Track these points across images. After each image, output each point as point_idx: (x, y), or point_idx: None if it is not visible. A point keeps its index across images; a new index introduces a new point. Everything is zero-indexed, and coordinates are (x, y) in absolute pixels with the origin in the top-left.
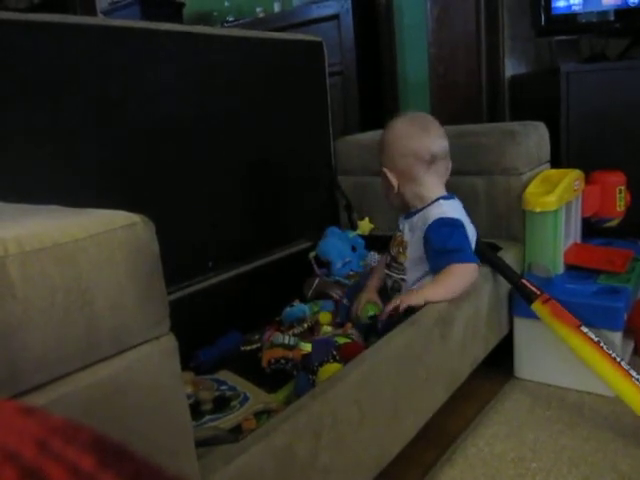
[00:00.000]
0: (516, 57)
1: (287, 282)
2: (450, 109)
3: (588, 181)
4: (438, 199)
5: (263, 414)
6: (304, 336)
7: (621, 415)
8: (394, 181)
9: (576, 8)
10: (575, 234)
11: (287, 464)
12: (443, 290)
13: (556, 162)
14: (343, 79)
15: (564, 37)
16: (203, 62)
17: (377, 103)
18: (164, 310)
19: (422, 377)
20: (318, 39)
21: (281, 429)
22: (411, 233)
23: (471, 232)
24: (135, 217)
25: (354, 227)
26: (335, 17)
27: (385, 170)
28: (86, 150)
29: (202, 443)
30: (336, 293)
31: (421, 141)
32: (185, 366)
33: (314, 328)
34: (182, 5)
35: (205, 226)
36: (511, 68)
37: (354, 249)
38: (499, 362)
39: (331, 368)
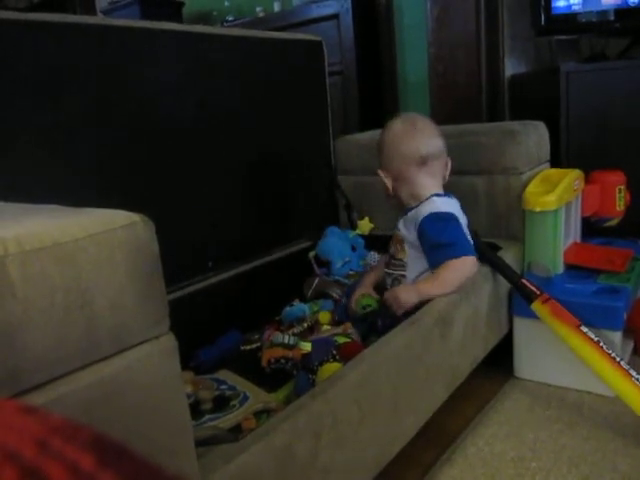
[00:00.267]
0: (516, 57)
1: (287, 282)
2: (450, 109)
3: (588, 181)
4: (431, 196)
5: (263, 414)
6: (304, 336)
7: (621, 415)
8: (388, 182)
9: (576, 8)
10: (575, 234)
11: (287, 464)
12: (438, 285)
13: (556, 162)
14: (343, 79)
15: (564, 37)
16: (203, 62)
17: (377, 103)
18: (164, 310)
19: (422, 377)
20: (318, 39)
21: (281, 429)
22: (407, 230)
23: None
24: (135, 217)
25: (354, 227)
26: (335, 17)
27: (379, 172)
28: (86, 150)
29: (202, 442)
30: (336, 293)
31: (410, 143)
32: (185, 366)
33: (314, 328)
34: (182, 5)
35: (205, 226)
36: (511, 68)
37: (354, 249)
38: (499, 362)
39: (331, 367)
